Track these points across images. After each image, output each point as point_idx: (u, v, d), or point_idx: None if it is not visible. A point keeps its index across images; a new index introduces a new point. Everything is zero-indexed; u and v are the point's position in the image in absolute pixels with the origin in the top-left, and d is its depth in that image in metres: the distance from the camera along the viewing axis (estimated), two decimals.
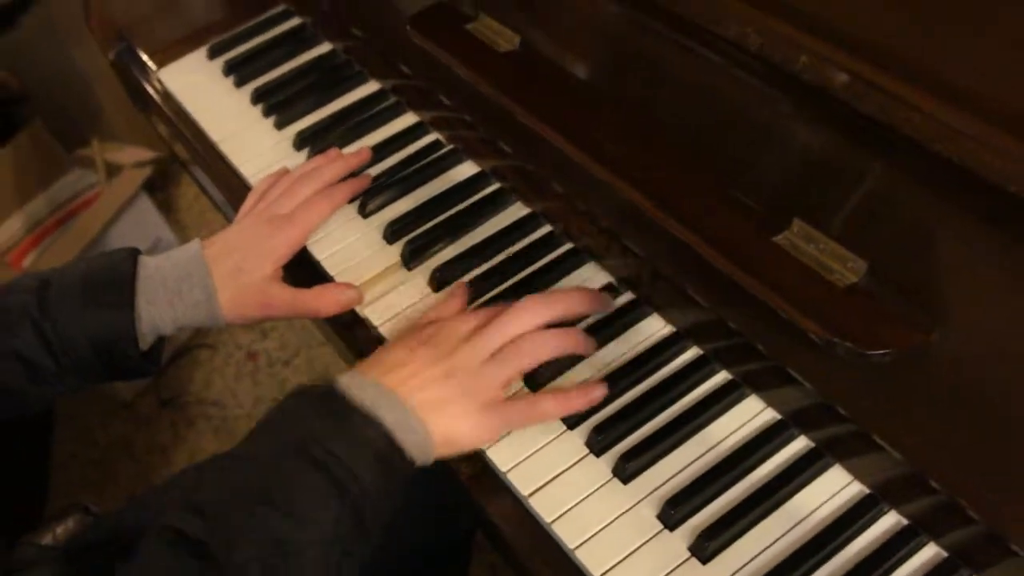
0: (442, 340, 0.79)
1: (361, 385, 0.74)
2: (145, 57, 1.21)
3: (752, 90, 0.71)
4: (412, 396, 0.75)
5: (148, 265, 0.89)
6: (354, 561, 0.71)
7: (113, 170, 1.83)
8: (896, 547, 0.68)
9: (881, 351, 0.62)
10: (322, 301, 0.90)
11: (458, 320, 0.81)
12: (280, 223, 0.92)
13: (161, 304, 0.87)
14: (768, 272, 0.68)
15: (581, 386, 0.79)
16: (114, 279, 0.87)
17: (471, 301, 0.88)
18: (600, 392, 0.78)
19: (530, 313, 0.80)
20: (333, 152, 0.99)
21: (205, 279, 0.89)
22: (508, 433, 0.78)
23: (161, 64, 1.20)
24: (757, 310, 0.69)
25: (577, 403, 0.78)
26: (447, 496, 1.01)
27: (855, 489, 0.72)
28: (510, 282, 0.89)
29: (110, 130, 1.95)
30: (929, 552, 0.68)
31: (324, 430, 0.71)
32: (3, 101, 1.83)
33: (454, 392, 0.76)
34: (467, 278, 0.89)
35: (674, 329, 0.83)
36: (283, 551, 0.67)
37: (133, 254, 0.89)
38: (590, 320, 0.84)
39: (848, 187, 0.67)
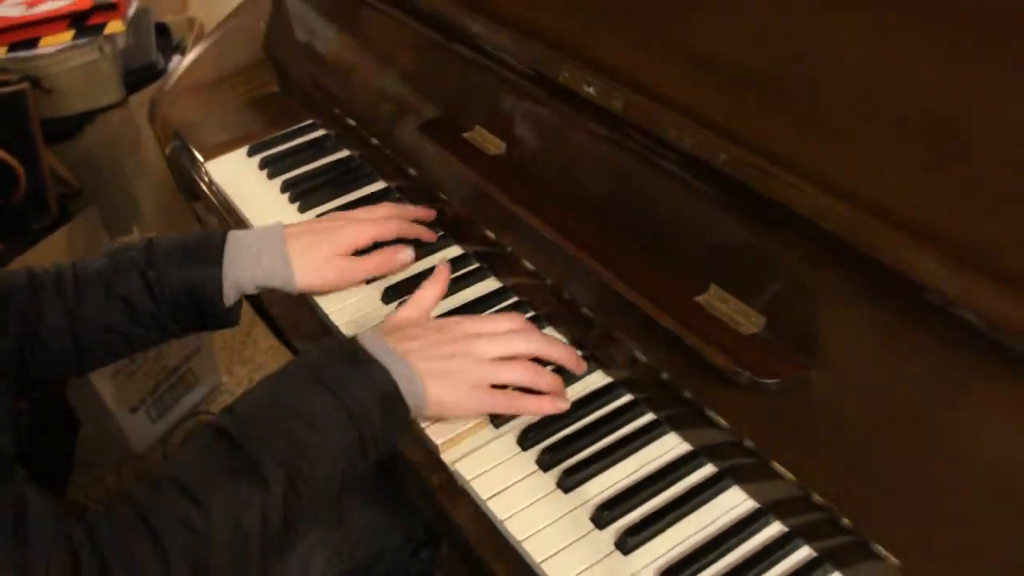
0: (451, 330, 0.85)
1: (377, 343, 0.81)
2: (196, 152, 1.29)
3: (683, 186, 0.80)
4: (417, 362, 0.81)
5: (236, 235, 0.96)
6: (354, 474, 0.76)
7: None
8: (775, 548, 0.74)
9: (771, 379, 0.70)
10: (384, 261, 0.99)
11: (469, 320, 0.87)
12: (351, 221, 1.01)
13: (244, 266, 0.94)
14: (692, 324, 0.76)
15: (552, 396, 0.85)
16: (209, 242, 0.94)
17: None
18: (564, 405, 0.85)
19: (527, 342, 0.86)
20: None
21: (282, 249, 0.96)
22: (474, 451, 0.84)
23: (208, 158, 1.28)
24: (684, 357, 0.76)
25: (548, 407, 0.84)
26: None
27: (748, 504, 0.78)
28: None
29: (147, 223, 2.03)
30: (802, 553, 0.75)
31: (343, 369, 0.78)
32: (64, 194, 1.91)
33: (451, 368, 0.82)
34: None
35: (611, 380, 0.89)
36: (301, 452, 0.73)
37: (227, 230, 0.97)
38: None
39: (751, 261, 0.76)
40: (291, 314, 1.08)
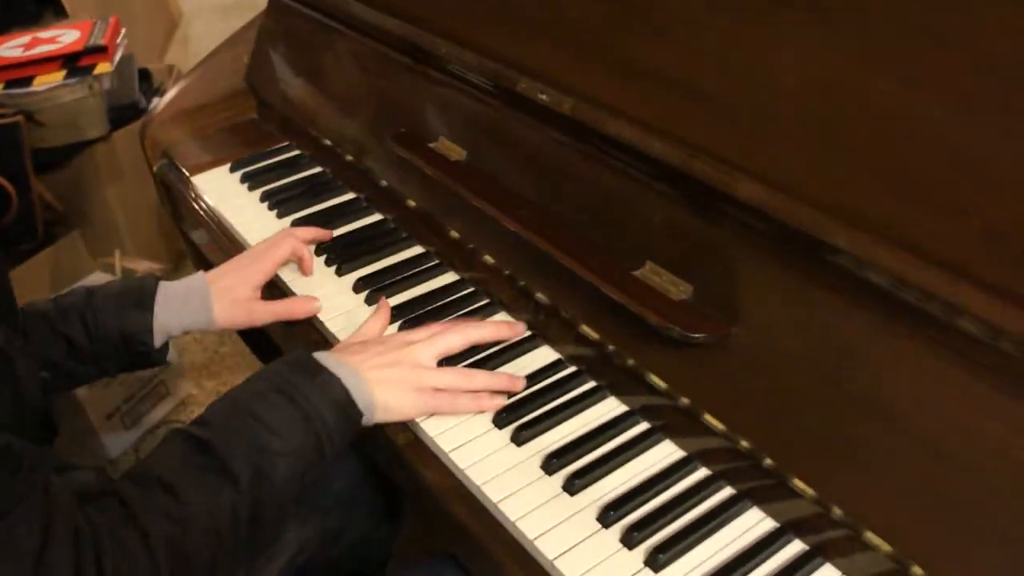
0: (390, 342, 0.89)
1: (327, 357, 0.84)
2: (183, 169, 1.32)
3: (622, 177, 0.86)
4: (365, 371, 0.84)
5: (165, 286, 1.00)
6: (313, 471, 0.79)
7: (128, 275, 1.90)
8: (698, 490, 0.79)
9: (697, 334, 0.75)
10: (294, 308, 1.02)
11: (403, 333, 0.91)
12: (255, 257, 1.04)
13: (171, 312, 0.98)
14: (632, 292, 0.81)
15: (491, 394, 0.88)
16: (141, 292, 0.98)
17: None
18: (501, 402, 0.87)
19: (457, 336, 0.90)
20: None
21: (204, 296, 1.00)
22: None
23: (194, 174, 1.31)
24: (625, 326, 0.82)
25: (487, 405, 0.87)
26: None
27: (678, 454, 0.82)
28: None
29: (128, 247, 2.03)
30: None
31: (298, 379, 0.80)
32: (49, 220, 1.91)
33: (395, 375, 0.85)
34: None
35: (559, 356, 0.94)
36: (263, 454, 0.75)
37: (157, 278, 1.00)
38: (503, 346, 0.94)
39: (678, 240, 0.81)
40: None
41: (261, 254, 1.05)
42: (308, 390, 0.79)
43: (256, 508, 0.74)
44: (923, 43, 0.69)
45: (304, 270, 1.08)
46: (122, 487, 0.72)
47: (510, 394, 0.89)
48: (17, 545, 0.63)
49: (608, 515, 0.76)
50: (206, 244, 1.27)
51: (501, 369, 0.92)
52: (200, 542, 0.71)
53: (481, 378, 0.89)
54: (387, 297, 1.02)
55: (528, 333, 0.95)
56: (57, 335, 0.94)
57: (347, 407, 0.81)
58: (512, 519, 0.76)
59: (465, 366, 0.91)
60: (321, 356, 0.84)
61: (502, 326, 0.93)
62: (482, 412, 0.87)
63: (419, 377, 0.86)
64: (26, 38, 1.92)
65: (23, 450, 0.68)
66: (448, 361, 0.91)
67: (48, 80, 1.85)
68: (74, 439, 1.76)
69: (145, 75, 2.16)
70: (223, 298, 1.00)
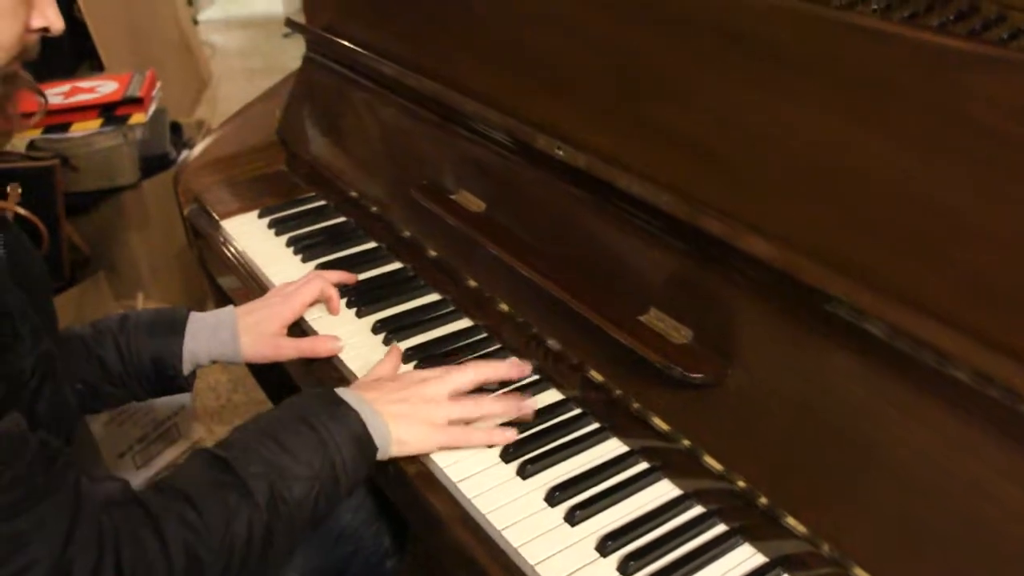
0: (404, 380, 0.94)
1: (347, 392, 0.90)
2: (213, 213, 1.40)
3: (630, 229, 0.93)
4: (381, 407, 0.89)
5: (196, 316, 1.07)
6: (328, 501, 0.84)
7: None
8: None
9: (697, 375, 0.81)
10: (317, 346, 1.08)
11: (416, 371, 0.97)
12: (286, 296, 1.11)
13: (201, 341, 1.05)
14: (638, 336, 0.88)
15: (501, 428, 0.93)
16: (173, 320, 1.05)
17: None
18: (512, 435, 0.92)
19: (467, 374, 0.95)
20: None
21: (233, 328, 1.06)
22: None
23: (223, 218, 1.39)
24: (629, 368, 0.88)
25: (499, 439, 0.92)
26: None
27: (675, 492, 0.88)
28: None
29: (150, 292, 2.11)
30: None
31: (320, 410, 0.86)
32: (75, 261, 1.99)
33: (410, 410, 0.90)
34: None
35: (564, 396, 1.00)
36: (281, 475, 0.80)
37: (189, 309, 1.07)
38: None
39: (681, 288, 0.88)
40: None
41: (291, 294, 1.11)
42: (328, 421, 0.85)
43: (270, 527, 0.79)
44: (910, 107, 0.75)
45: (332, 309, 1.14)
46: (145, 496, 0.77)
47: (520, 427, 0.94)
48: (43, 536, 0.67)
49: (606, 545, 0.81)
50: (234, 289, 1.34)
51: None
52: (215, 553, 0.76)
53: (490, 403, 0.94)
54: (404, 340, 1.08)
55: (535, 376, 1.01)
56: (92, 357, 1.01)
57: (364, 440, 0.86)
58: (515, 546, 0.81)
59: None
60: (342, 391, 0.90)
61: (510, 366, 0.99)
62: (494, 445, 0.92)
63: (432, 412, 0.91)
64: (67, 87, 2.03)
65: (59, 448, 0.73)
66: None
67: (85, 127, 1.95)
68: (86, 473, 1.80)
69: (176, 128, 2.27)
70: (251, 332, 1.06)
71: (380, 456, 0.89)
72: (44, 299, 0.92)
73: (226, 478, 0.79)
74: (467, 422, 0.93)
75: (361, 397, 0.90)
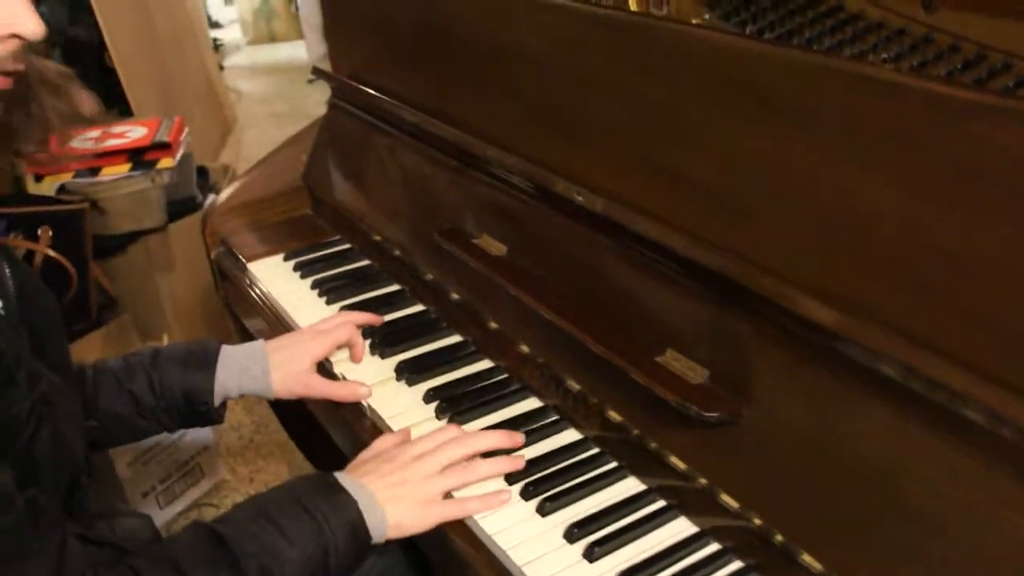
0: (398, 459, 0.95)
1: (345, 478, 0.91)
2: (240, 256, 1.45)
3: (647, 272, 0.96)
4: (377, 491, 0.91)
5: (227, 350, 1.09)
6: None
7: None
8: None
9: (712, 413, 0.84)
10: (345, 391, 1.10)
11: (410, 446, 0.97)
12: (316, 334, 1.14)
13: (231, 375, 1.08)
14: (656, 376, 0.90)
15: (495, 493, 0.94)
16: (205, 353, 1.08)
17: None
18: (506, 499, 0.92)
19: (460, 448, 0.96)
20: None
21: (264, 363, 1.09)
22: None
23: (249, 260, 1.43)
24: (647, 408, 0.90)
25: (494, 503, 0.92)
26: None
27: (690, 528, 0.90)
28: None
29: (174, 333, 2.15)
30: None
31: (317, 495, 0.88)
32: (101, 303, 2.04)
33: (403, 493, 0.91)
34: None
35: (583, 436, 1.02)
36: (274, 558, 0.83)
37: (221, 343, 1.10)
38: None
39: (696, 330, 0.91)
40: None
41: (320, 333, 1.14)
42: (326, 507, 0.87)
43: None
44: (919, 155, 0.78)
45: (355, 356, 1.17)
46: (137, 563, 0.79)
47: (540, 465, 0.96)
48: None
49: None
50: (260, 330, 1.38)
51: (528, 450, 1.00)
52: None
53: (483, 468, 0.95)
54: (426, 381, 1.11)
55: (555, 417, 1.04)
56: (123, 391, 1.04)
57: (359, 528, 0.88)
58: None
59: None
60: (340, 476, 0.92)
61: (503, 436, 0.99)
62: (490, 509, 0.92)
63: (427, 490, 0.92)
64: (97, 132, 2.09)
65: (48, 506, 0.75)
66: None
67: (114, 171, 2.01)
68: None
69: (203, 172, 2.33)
70: (282, 367, 1.09)
71: (375, 542, 0.90)
72: (54, 338, 0.93)
73: (219, 554, 0.81)
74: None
75: (359, 483, 0.91)
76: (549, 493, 0.93)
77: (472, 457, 0.96)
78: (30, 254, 1.79)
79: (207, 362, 1.07)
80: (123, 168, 2.02)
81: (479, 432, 1.00)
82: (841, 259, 0.81)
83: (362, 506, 0.88)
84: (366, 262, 1.41)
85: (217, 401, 1.08)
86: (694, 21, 1.07)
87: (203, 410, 1.07)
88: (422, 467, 0.93)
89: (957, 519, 0.71)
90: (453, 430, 1.00)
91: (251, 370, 1.08)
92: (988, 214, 0.71)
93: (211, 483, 2.03)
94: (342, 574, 0.88)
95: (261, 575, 0.81)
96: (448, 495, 0.94)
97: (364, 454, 0.99)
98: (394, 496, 0.91)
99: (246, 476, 2.09)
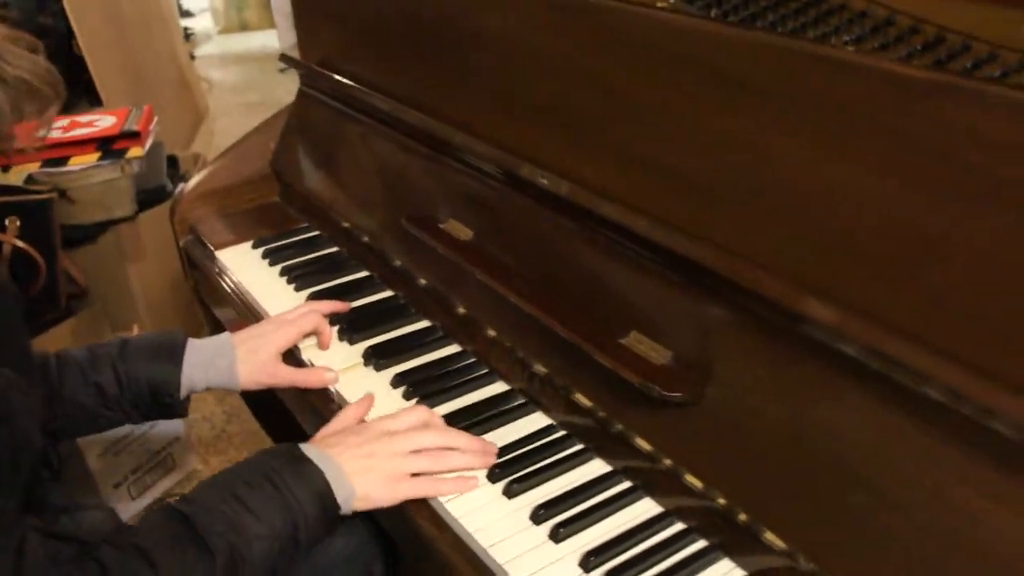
0: (368, 433, 0.95)
1: (311, 449, 0.92)
2: (208, 244, 1.44)
3: (612, 255, 0.97)
4: (345, 463, 0.91)
5: (194, 343, 1.09)
6: (287, 558, 0.86)
7: None
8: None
9: (674, 394, 0.85)
10: (311, 378, 1.10)
11: (379, 421, 0.98)
12: (282, 324, 1.14)
13: (197, 368, 1.08)
14: (619, 358, 0.91)
15: (464, 477, 0.94)
16: (173, 346, 1.08)
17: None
18: (475, 484, 0.92)
19: (432, 437, 0.96)
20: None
21: (230, 356, 1.09)
22: None
23: (218, 249, 1.43)
24: (610, 389, 0.91)
25: (464, 488, 0.92)
26: None
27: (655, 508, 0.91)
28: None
29: (144, 323, 2.14)
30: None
31: (284, 467, 0.88)
32: (71, 293, 2.02)
33: (372, 466, 0.92)
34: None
35: (552, 422, 1.03)
36: (242, 534, 0.83)
37: (187, 336, 1.10)
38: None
39: (659, 312, 0.91)
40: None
41: (286, 323, 1.14)
42: (291, 479, 0.87)
43: None
44: (881, 134, 0.79)
45: (322, 344, 1.17)
46: (102, 552, 0.79)
47: (507, 448, 0.97)
48: None
49: (590, 561, 0.84)
50: (230, 320, 1.37)
51: (495, 433, 1.00)
52: None
53: (455, 458, 0.95)
54: (394, 366, 1.11)
55: (521, 400, 1.05)
56: (89, 383, 1.04)
57: (326, 498, 0.88)
58: (501, 563, 0.84)
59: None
60: (306, 447, 0.92)
61: (479, 446, 0.97)
62: (460, 492, 0.93)
63: (396, 467, 0.92)
64: (65, 121, 2.07)
65: (5, 506, 0.74)
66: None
67: (83, 160, 1.99)
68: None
69: (173, 161, 2.31)
70: (248, 359, 1.10)
71: (343, 512, 0.90)
72: (14, 333, 0.92)
73: (185, 534, 0.81)
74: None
75: (325, 454, 0.91)
76: (516, 475, 0.94)
77: (443, 449, 0.96)
78: None
79: (174, 355, 1.07)
80: (92, 157, 2.00)
81: (458, 431, 0.99)
82: (802, 239, 0.82)
83: (329, 476, 0.88)
84: (335, 249, 1.41)
85: (183, 394, 1.08)
86: (659, 4, 1.07)
87: (168, 403, 1.07)
88: (391, 444, 0.94)
89: (917, 496, 0.72)
90: (422, 411, 1.00)
91: (217, 364, 1.08)
92: (953, 195, 0.72)
93: (183, 473, 2.02)
94: (310, 547, 0.88)
95: (229, 553, 0.81)
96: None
97: (329, 427, 0.99)
98: (362, 467, 0.91)
99: (218, 466, 2.08)
